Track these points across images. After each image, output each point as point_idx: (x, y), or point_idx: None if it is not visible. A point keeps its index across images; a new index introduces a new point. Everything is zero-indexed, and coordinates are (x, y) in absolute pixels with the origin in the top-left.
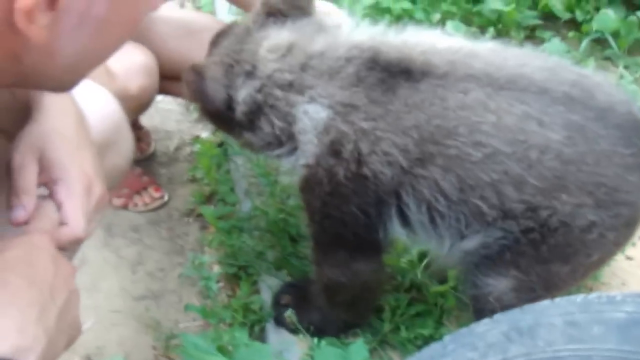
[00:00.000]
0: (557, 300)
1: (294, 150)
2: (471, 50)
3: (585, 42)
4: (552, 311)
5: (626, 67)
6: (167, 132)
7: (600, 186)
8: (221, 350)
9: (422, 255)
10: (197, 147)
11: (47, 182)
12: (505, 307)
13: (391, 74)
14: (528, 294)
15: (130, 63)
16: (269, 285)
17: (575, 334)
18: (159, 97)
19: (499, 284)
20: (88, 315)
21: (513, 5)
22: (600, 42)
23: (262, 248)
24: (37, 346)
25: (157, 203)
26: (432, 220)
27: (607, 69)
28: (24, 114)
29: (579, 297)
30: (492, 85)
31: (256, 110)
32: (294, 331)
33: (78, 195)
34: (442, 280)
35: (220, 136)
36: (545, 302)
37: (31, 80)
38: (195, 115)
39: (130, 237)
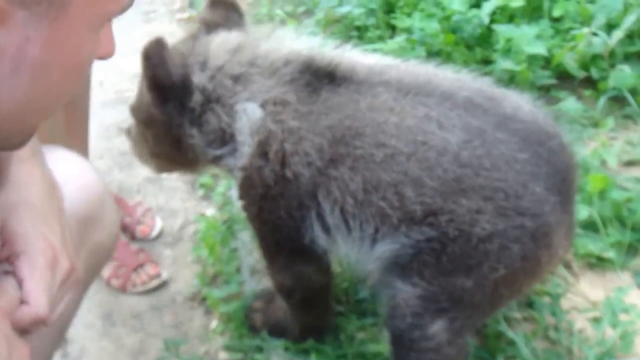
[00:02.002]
0: None
1: (234, 151)
2: (394, 64)
3: (602, 101)
4: None
5: None
6: (172, 211)
7: (499, 191)
8: None
9: None
10: (201, 225)
11: (9, 257)
12: (414, 314)
13: (318, 77)
14: (434, 304)
15: None
16: None
17: None
18: (164, 175)
19: (406, 289)
20: None
21: (525, 65)
22: (618, 100)
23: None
24: None
25: (156, 282)
26: (346, 223)
27: (628, 127)
28: None
29: None
30: (400, 90)
31: (205, 102)
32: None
33: (41, 271)
34: None
35: (226, 213)
36: None
37: None
38: (201, 192)
39: (132, 324)
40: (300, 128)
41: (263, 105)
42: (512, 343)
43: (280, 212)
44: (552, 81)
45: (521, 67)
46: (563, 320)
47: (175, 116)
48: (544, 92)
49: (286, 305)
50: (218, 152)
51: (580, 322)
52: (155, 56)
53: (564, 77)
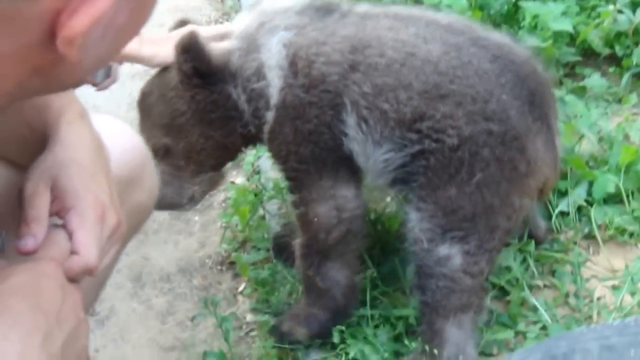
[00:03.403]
0: (593, 326)
1: (267, 87)
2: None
3: (626, 77)
4: (587, 336)
5: None
6: None
7: (468, 97)
8: None
9: None
10: (231, 193)
11: (60, 211)
12: (427, 239)
13: (325, 8)
14: (437, 223)
15: None
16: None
17: (612, 358)
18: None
19: (415, 216)
20: None
21: (550, 42)
22: None
23: (295, 295)
24: None
25: None
26: (360, 126)
27: None
28: (40, 147)
29: (616, 322)
30: (397, 17)
31: (240, 60)
32: (290, 339)
33: (90, 224)
34: None
35: (255, 182)
36: (581, 328)
37: (47, 91)
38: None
39: (160, 287)
40: (318, 37)
41: (286, 29)
42: (533, 309)
43: (314, 122)
44: (577, 58)
45: (547, 43)
46: (583, 288)
47: (222, 90)
48: (569, 69)
49: (314, 270)
50: (255, 86)
51: (600, 290)
52: (193, 50)
53: (588, 54)
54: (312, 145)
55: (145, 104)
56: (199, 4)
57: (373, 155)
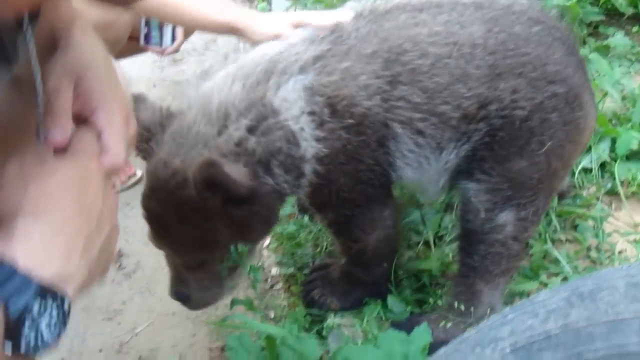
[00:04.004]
0: (619, 266)
1: (298, 146)
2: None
3: None
4: (614, 275)
5: None
6: None
7: (527, 65)
8: (269, 341)
9: None
10: None
11: (83, 110)
12: (486, 209)
13: (330, 28)
14: (500, 194)
15: None
16: None
17: (638, 294)
18: None
19: (474, 187)
20: (142, 318)
21: (575, 1)
22: None
23: (319, 249)
24: (78, 276)
25: (133, 180)
26: (416, 142)
27: None
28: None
29: None
30: (412, 9)
31: (257, 126)
32: (321, 307)
33: (118, 124)
34: None
35: None
36: (607, 269)
37: None
38: None
39: None
40: (349, 67)
41: (303, 72)
42: (555, 262)
43: (365, 162)
44: (601, 17)
45: (571, 2)
46: (605, 242)
47: (258, 183)
48: (592, 28)
49: (362, 271)
50: (294, 153)
51: (621, 244)
52: (219, 182)
53: (612, 14)
54: (364, 186)
55: (163, 216)
56: None
57: (436, 162)
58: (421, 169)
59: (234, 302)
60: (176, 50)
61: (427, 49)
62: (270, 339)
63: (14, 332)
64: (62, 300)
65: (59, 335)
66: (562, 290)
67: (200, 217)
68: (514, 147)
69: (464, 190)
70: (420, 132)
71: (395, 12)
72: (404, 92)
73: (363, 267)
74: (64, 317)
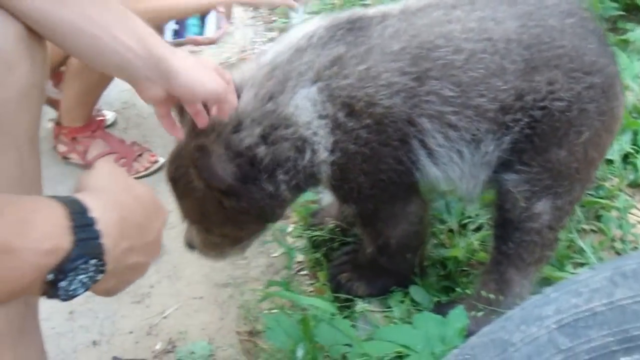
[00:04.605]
0: None
1: (313, 151)
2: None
3: None
4: None
5: None
6: None
7: (564, 57)
8: (304, 323)
9: None
10: None
11: None
12: (524, 198)
13: (352, 23)
14: (538, 184)
15: None
16: None
17: None
18: None
19: (513, 177)
20: (170, 302)
21: None
22: None
23: (342, 235)
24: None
25: (156, 166)
26: (448, 137)
27: None
28: None
29: None
30: (445, 6)
31: (267, 145)
32: (348, 291)
33: None
34: None
35: None
36: None
37: None
38: None
39: None
40: (370, 67)
41: (316, 80)
42: (580, 252)
43: (386, 161)
44: (620, 12)
45: None
46: (629, 233)
47: (256, 189)
48: (611, 23)
49: (387, 261)
50: (301, 163)
51: None
52: (204, 170)
53: (630, 9)
54: (385, 184)
55: (176, 182)
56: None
57: (472, 156)
58: (452, 165)
59: (270, 283)
60: (214, 42)
61: (461, 44)
62: (305, 319)
63: (59, 272)
64: (100, 269)
65: (80, 293)
66: (604, 269)
67: (196, 192)
68: (553, 138)
69: (502, 182)
70: (452, 126)
71: (427, 9)
72: (434, 86)
73: (389, 257)
74: (91, 282)
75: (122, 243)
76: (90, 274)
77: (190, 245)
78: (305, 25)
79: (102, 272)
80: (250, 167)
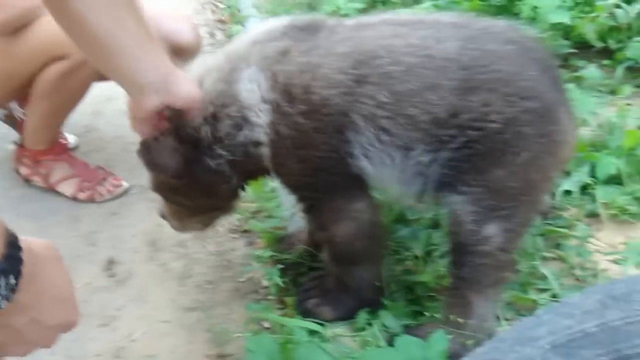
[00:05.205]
0: None
1: (252, 128)
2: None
3: (619, 70)
4: None
5: None
6: None
7: (500, 81)
8: (283, 349)
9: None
10: None
11: None
12: (472, 220)
13: (310, 26)
14: (483, 204)
15: None
16: None
17: None
18: None
19: (458, 199)
20: (138, 325)
21: (551, 33)
22: (633, 70)
23: (311, 260)
24: None
25: (120, 190)
26: (379, 138)
27: None
28: None
29: None
30: (396, 24)
31: (211, 123)
32: (315, 317)
33: None
34: None
35: None
36: (637, 274)
37: None
38: None
39: (176, 251)
40: (311, 60)
41: (262, 66)
42: (543, 278)
43: (320, 148)
44: (571, 50)
45: (545, 34)
46: (588, 261)
47: (199, 168)
48: (563, 60)
49: (344, 273)
50: (239, 139)
51: (603, 263)
52: (149, 164)
53: (581, 47)
54: (323, 173)
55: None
56: (197, 7)
57: (402, 162)
58: (384, 167)
59: (249, 307)
60: None
61: (401, 57)
62: (284, 344)
63: None
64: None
65: None
66: (595, 293)
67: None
68: (491, 158)
69: (450, 204)
70: (384, 130)
71: (377, 25)
72: (370, 90)
73: (341, 265)
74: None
75: (30, 299)
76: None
77: (162, 215)
78: (266, 23)
79: (6, 299)
80: (194, 149)
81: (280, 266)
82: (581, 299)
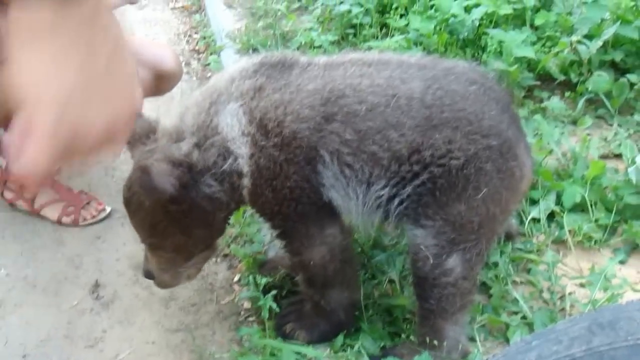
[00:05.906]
0: (633, 300)
1: (235, 159)
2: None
3: (581, 102)
4: (629, 307)
5: (620, 125)
6: None
7: (463, 120)
8: None
9: None
10: None
11: None
12: (433, 254)
13: (282, 63)
14: (444, 237)
15: None
16: None
17: None
18: None
19: (420, 232)
20: (124, 346)
21: (516, 66)
22: (593, 102)
23: (291, 284)
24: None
25: (103, 214)
26: (343, 173)
27: (601, 126)
28: None
29: None
30: (363, 64)
31: (200, 152)
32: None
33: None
34: None
35: None
36: (623, 303)
37: None
38: None
39: None
40: (283, 96)
41: (240, 102)
42: (514, 301)
43: (293, 178)
44: (535, 82)
45: (511, 68)
46: (556, 285)
47: (196, 193)
48: (526, 91)
49: (319, 296)
50: (227, 167)
51: (570, 287)
52: (147, 188)
53: (544, 79)
54: (294, 203)
55: (128, 203)
56: (168, 17)
57: (364, 196)
58: (349, 199)
59: (240, 331)
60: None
61: (366, 97)
62: None
63: None
64: None
65: None
66: (582, 320)
67: (149, 206)
68: (452, 193)
69: (412, 237)
70: (348, 165)
71: (346, 64)
72: (336, 128)
73: (315, 289)
74: None
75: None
76: None
77: (148, 274)
78: (241, 62)
79: None
80: (189, 173)
81: (262, 289)
82: (569, 326)
